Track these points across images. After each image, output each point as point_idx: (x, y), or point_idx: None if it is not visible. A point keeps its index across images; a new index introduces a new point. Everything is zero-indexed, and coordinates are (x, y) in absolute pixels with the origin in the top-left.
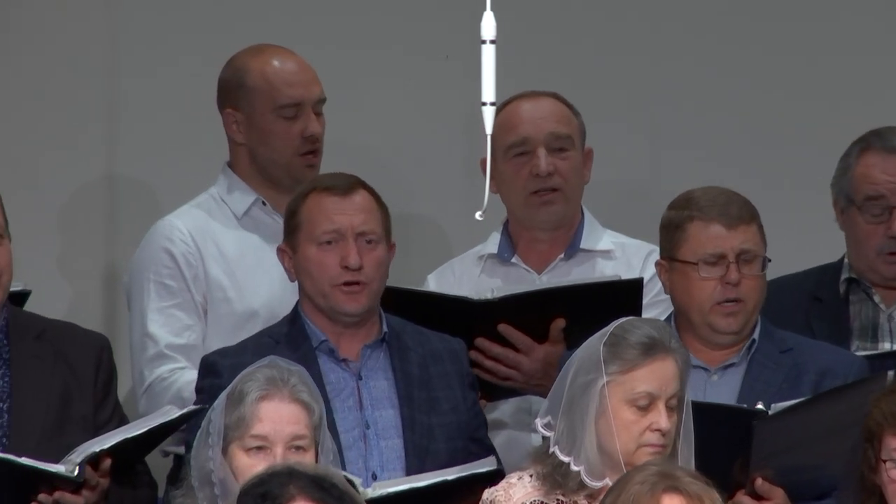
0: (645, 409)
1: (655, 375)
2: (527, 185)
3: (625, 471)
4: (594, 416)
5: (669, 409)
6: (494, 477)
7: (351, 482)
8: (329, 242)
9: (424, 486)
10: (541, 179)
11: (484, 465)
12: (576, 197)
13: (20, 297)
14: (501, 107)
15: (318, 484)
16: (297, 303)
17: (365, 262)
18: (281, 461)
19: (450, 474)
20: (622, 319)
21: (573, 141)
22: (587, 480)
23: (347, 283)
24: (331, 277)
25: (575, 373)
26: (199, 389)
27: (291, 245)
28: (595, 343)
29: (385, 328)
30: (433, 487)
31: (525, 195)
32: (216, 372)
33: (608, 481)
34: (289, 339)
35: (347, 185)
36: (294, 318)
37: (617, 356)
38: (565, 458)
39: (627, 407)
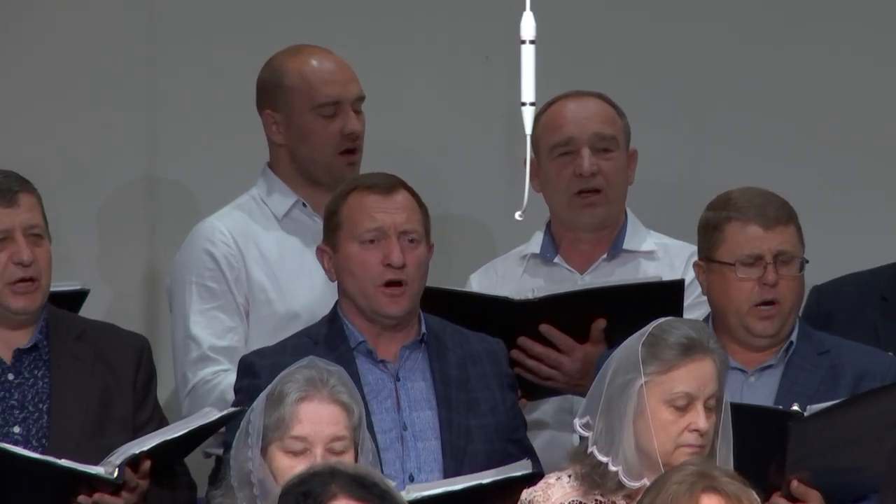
0: (683, 410)
1: (693, 376)
2: (570, 185)
3: (663, 471)
4: (632, 416)
5: (708, 409)
6: (530, 480)
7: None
8: (371, 241)
9: (460, 490)
10: (584, 180)
11: (519, 469)
12: (619, 198)
13: (78, 297)
14: (546, 107)
15: (359, 482)
16: (336, 303)
17: (407, 260)
18: (321, 462)
19: (485, 477)
20: (661, 319)
21: (618, 142)
22: (625, 480)
23: (390, 283)
24: (373, 277)
25: (613, 373)
26: (237, 390)
27: (332, 244)
28: (633, 343)
29: (424, 329)
30: (468, 490)
31: (568, 196)
32: (254, 372)
33: (646, 481)
34: (327, 339)
35: (389, 183)
36: (333, 318)
37: (655, 356)
38: (603, 459)
39: (665, 407)
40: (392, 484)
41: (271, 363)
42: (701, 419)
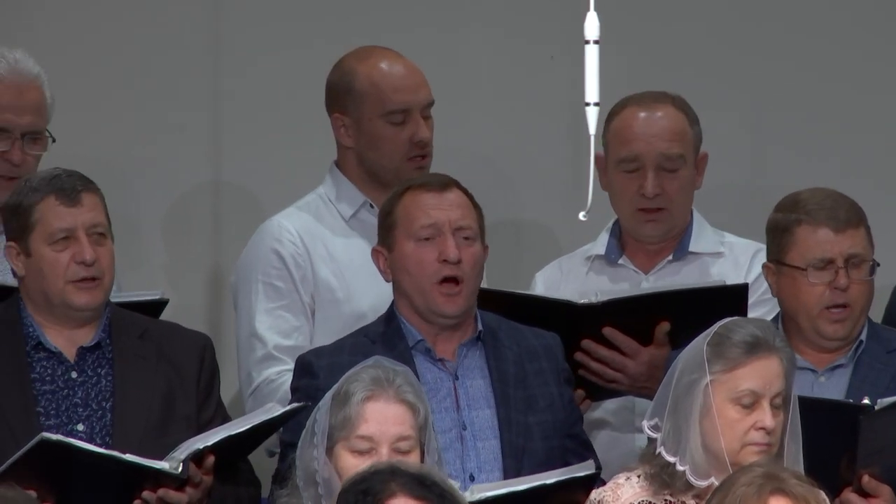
0: (749, 408)
1: (759, 374)
2: (633, 200)
3: (730, 470)
4: (698, 415)
5: (774, 407)
6: (593, 480)
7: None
8: (427, 238)
9: (524, 490)
10: (647, 199)
11: (583, 469)
12: (682, 211)
13: (157, 307)
14: (618, 110)
15: (419, 481)
16: (393, 302)
17: (463, 257)
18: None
19: (549, 478)
20: (727, 319)
21: (684, 159)
22: (692, 480)
23: (446, 280)
24: (429, 274)
25: (680, 373)
26: (294, 389)
27: (387, 244)
28: (699, 343)
29: (480, 326)
30: (532, 490)
31: (631, 209)
32: (312, 372)
33: (714, 480)
34: (385, 338)
35: (442, 182)
36: (390, 317)
37: (720, 355)
38: (671, 459)
39: (731, 405)
40: (453, 483)
41: (329, 363)
42: (767, 417)
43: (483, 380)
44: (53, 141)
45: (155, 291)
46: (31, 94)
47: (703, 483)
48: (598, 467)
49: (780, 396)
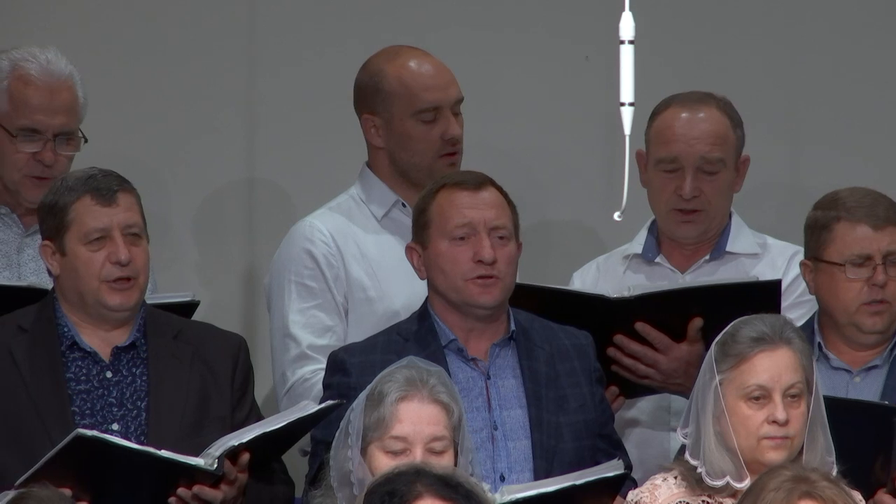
0: (760, 402)
1: (765, 367)
2: (670, 200)
3: (745, 468)
4: (711, 416)
5: (791, 397)
6: (623, 481)
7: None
8: (462, 238)
9: (554, 491)
10: (684, 201)
11: (612, 469)
12: (719, 213)
13: (188, 308)
14: (661, 109)
15: (445, 482)
16: (427, 300)
17: (498, 256)
18: (405, 461)
19: (579, 478)
20: (739, 319)
21: (724, 163)
22: (708, 480)
23: (481, 277)
24: (464, 272)
25: (699, 377)
26: (326, 385)
27: (421, 242)
28: (712, 346)
29: (513, 325)
30: (562, 492)
31: (668, 209)
32: (344, 370)
33: (729, 479)
34: (418, 336)
35: (477, 180)
36: (423, 315)
37: (726, 353)
38: (694, 462)
39: (743, 402)
40: (477, 484)
41: (361, 360)
42: (779, 410)
43: (515, 379)
44: (86, 141)
45: (186, 293)
46: (63, 95)
47: (717, 483)
48: (629, 467)
49: (796, 387)
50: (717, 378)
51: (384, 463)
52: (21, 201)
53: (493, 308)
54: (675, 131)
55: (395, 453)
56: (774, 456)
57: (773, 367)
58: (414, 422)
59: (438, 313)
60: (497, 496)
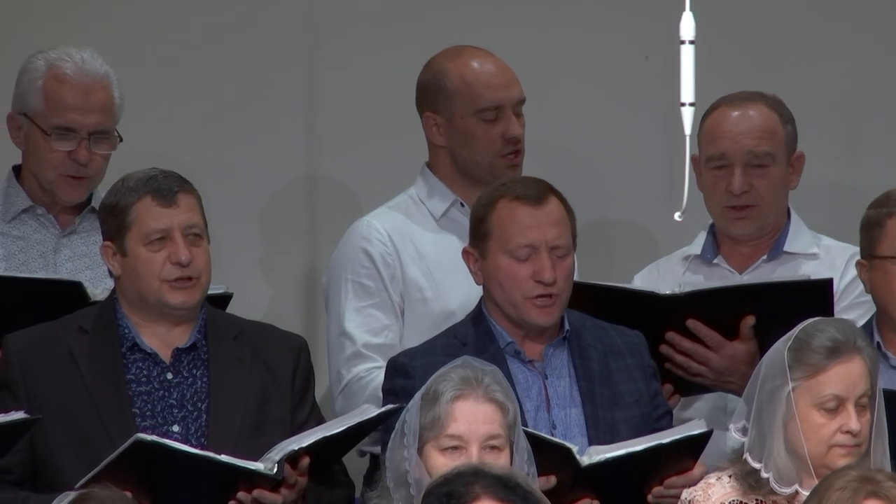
0: (833, 412)
1: (841, 377)
2: (722, 198)
3: (814, 475)
4: (781, 422)
5: (860, 407)
6: (706, 439)
7: (568, 449)
8: (523, 257)
9: (640, 451)
10: (735, 197)
11: (696, 427)
12: (774, 209)
13: (222, 300)
14: (710, 111)
15: (503, 483)
16: (482, 303)
17: (558, 274)
18: (476, 461)
19: (664, 437)
20: (807, 322)
21: (773, 157)
22: (776, 487)
23: (540, 297)
24: (524, 291)
25: (762, 379)
26: (387, 391)
27: (480, 250)
28: (780, 348)
29: (567, 326)
30: (648, 451)
31: (721, 207)
32: (407, 373)
33: (797, 487)
34: (476, 340)
35: (538, 193)
36: (478, 318)
37: (801, 361)
38: (756, 465)
39: (816, 411)
40: (574, 448)
41: (423, 363)
42: (853, 420)
43: (569, 378)
44: (121, 140)
45: (220, 286)
46: (98, 94)
47: (787, 490)
48: (712, 431)
49: (866, 396)
50: (791, 385)
51: (440, 462)
52: (57, 200)
53: (549, 326)
54: (723, 128)
55: (450, 452)
56: (845, 463)
57: (849, 377)
58: (469, 421)
59: (494, 317)
60: (585, 458)
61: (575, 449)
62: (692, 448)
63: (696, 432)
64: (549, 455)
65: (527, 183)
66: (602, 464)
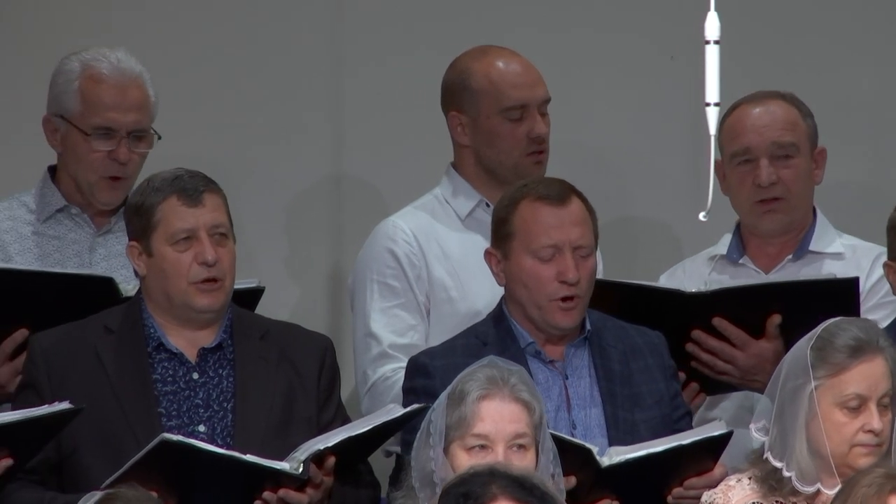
0: (856, 411)
1: (864, 376)
2: (750, 194)
3: (836, 474)
4: (804, 420)
5: (882, 406)
6: (727, 440)
7: (588, 450)
8: (546, 258)
9: (660, 452)
10: (763, 189)
11: (716, 429)
12: (802, 202)
13: (254, 294)
14: (729, 111)
15: (520, 483)
16: (503, 303)
17: (581, 275)
18: (503, 460)
19: (685, 438)
20: (829, 321)
21: (798, 148)
22: (798, 486)
23: (564, 299)
24: (548, 292)
25: (784, 377)
26: (407, 390)
27: (502, 251)
28: (802, 347)
29: (588, 326)
30: (668, 452)
31: (749, 203)
32: (427, 373)
33: (820, 486)
34: (496, 340)
35: (561, 193)
36: (499, 318)
37: (824, 360)
38: (778, 464)
39: (838, 410)
40: (594, 448)
41: (443, 363)
42: (875, 419)
43: (589, 378)
44: (159, 138)
45: (252, 279)
46: (135, 93)
47: (809, 489)
48: (732, 432)
49: (888, 396)
50: (813, 384)
51: (466, 462)
52: (94, 202)
53: (572, 329)
54: (744, 124)
55: (476, 452)
56: (867, 462)
57: (871, 376)
58: (496, 420)
59: (515, 318)
60: (605, 458)
61: (595, 450)
62: (712, 449)
63: (716, 433)
64: (568, 455)
65: (549, 183)
66: (622, 465)
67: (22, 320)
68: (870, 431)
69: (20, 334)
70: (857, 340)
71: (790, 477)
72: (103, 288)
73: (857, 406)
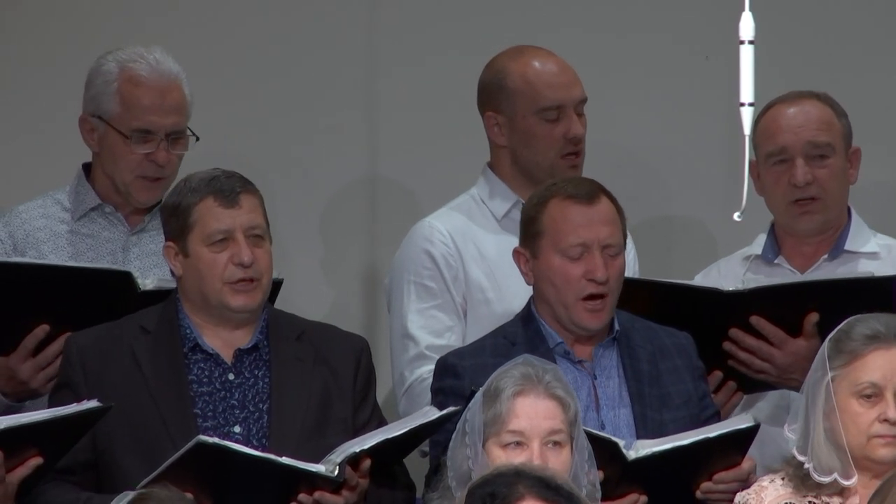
0: (871, 400)
1: (878, 365)
2: (786, 193)
3: (853, 465)
4: (822, 412)
5: None
6: (753, 434)
7: (614, 444)
8: (575, 256)
9: (687, 445)
10: (799, 189)
11: (743, 422)
12: (837, 202)
13: (274, 286)
14: (763, 111)
15: (546, 483)
16: (531, 303)
17: (609, 274)
18: (538, 456)
19: (711, 432)
20: (854, 316)
21: (833, 147)
22: (815, 476)
23: (592, 297)
24: (575, 290)
25: (810, 373)
26: (436, 390)
27: (531, 250)
28: (825, 342)
29: (617, 326)
30: (695, 445)
31: (785, 203)
32: (456, 373)
33: (836, 476)
34: (525, 340)
35: (590, 192)
36: (528, 318)
37: (840, 350)
38: (801, 458)
39: (854, 399)
40: (620, 443)
41: (473, 364)
42: (891, 409)
43: (618, 378)
44: (197, 139)
45: None
46: (174, 95)
47: (825, 479)
48: (759, 425)
49: None
50: (830, 375)
51: (502, 459)
52: (131, 202)
53: (599, 330)
54: (779, 124)
55: (512, 448)
56: (885, 453)
57: (886, 365)
58: (531, 416)
59: (544, 318)
60: (631, 452)
61: (621, 443)
62: (740, 442)
63: (743, 426)
64: (595, 450)
65: (578, 182)
66: (649, 458)
67: (42, 316)
68: (885, 421)
69: (41, 330)
70: (872, 330)
71: (810, 469)
72: (120, 282)
73: (872, 395)
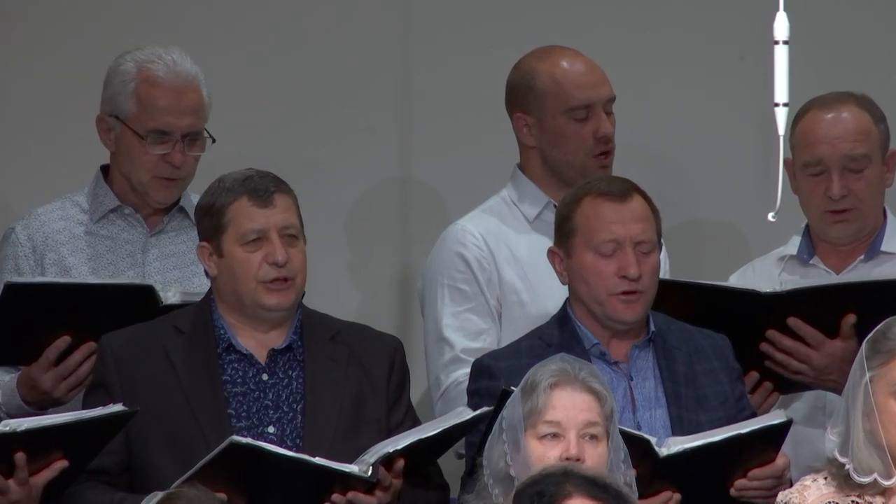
0: None
1: None
2: (821, 203)
3: (892, 465)
4: (861, 413)
5: None
6: (786, 430)
7: (646, 441)
8: (607, 253)
9: (719, 441)
10: (834, 202)
11: (775, 418)
12: (872, 209)
13: None
14: (801, 114)
15: (593, 482)
16: (567, 304)
17: (642, 270)
18: (574, 447)
19: (743, 428)
20: (892, 317)
21: (870, 158)
22: (855, 477)
23: (625, 293)
24: (608, 287)
25: (850, 375)
26: (472, 392)
27: (564, 249)
28: (863, 343)
29: (652, 327)
30: (727, 441)
31: (819, 212)
32: (492, 374)
33: (876, 476)
34: (561, 342)
35: (623, 190)
36: (563, 319)
37: (877, 351)
38: (842, 459)
39: (892, 399)
40: (652, 440)
41: (508, 365)
42: None
43: (654, 380)
44: (213, 141)
45: None
46: (191, 96)
47: (865, 479)
48: (791, 421)
49: None
50: (868, 375)
51: (539, 451)
52: (149, 202)
53: (635, 323)
54: (817, 133)
55: (548, 440)
56: None
57: None
58: (567, 408)
59: (580, 318)
60: (663, 449)
61: (653, 440)
62: (772, 438)
63: (775, 422)
64: (627, 448)
65: (611, 181)
66: (680, 454)
67: (64, 327)
68: None
69: (62, 341)
70: None
71: (850, 469)
72: (143, 296)
73: None
